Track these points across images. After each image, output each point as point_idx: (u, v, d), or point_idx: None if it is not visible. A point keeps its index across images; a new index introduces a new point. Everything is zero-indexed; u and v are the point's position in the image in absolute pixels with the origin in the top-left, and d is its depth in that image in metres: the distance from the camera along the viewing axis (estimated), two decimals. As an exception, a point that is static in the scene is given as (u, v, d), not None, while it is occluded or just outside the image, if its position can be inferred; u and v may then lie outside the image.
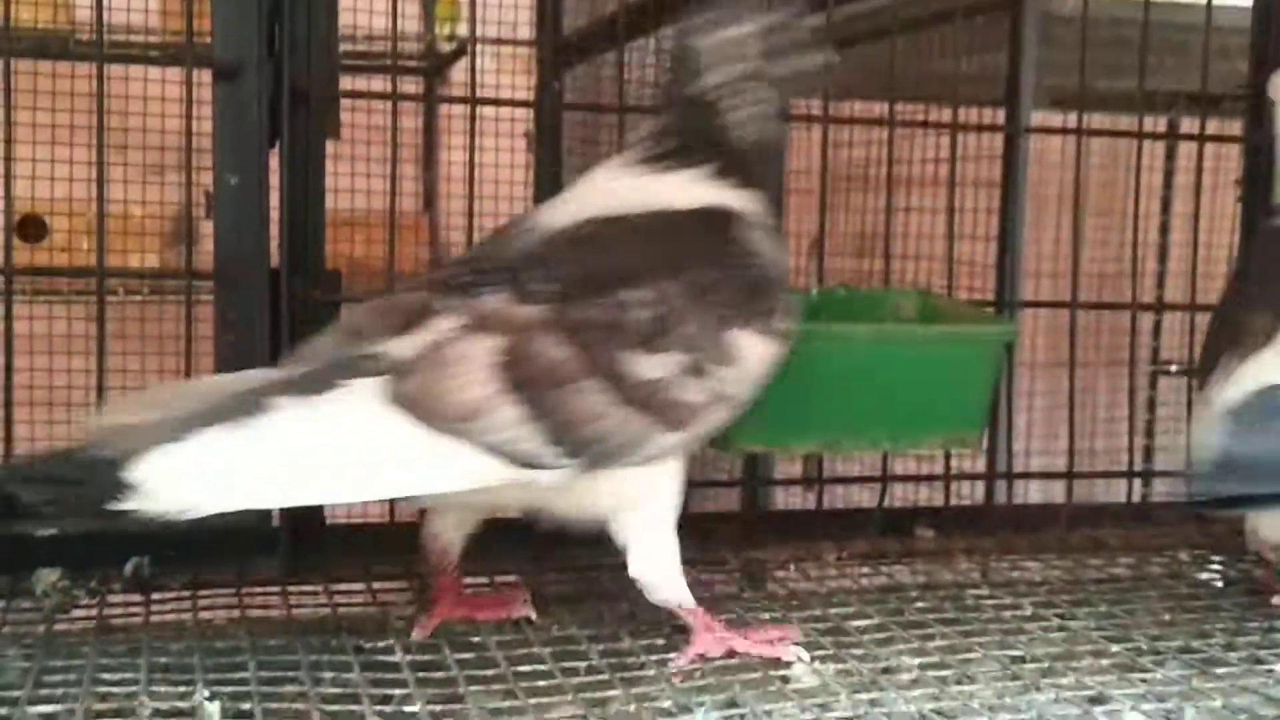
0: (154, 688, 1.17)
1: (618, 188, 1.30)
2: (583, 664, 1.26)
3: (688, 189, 1.28)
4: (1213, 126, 1.99)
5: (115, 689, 1.17)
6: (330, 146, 1.68)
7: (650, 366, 1.15)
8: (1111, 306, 1.99)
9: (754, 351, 1.22)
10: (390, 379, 1.11)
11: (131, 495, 1.01)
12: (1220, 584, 1.63)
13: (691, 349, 1.17)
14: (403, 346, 1.15)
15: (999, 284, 2.10)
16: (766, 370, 1.25)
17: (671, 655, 1.27)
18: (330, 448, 1.09)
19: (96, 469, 1.02)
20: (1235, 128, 2.06)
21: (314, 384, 1.11)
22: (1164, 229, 2.85)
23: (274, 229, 1.58)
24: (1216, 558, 1.73)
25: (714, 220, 1.26)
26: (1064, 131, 1.99)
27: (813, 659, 1.26)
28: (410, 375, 1.11)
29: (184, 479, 1.03)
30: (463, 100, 1.69)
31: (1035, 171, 3.08)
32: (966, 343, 1.47)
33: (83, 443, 1.06)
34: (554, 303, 1.15)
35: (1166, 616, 1.44)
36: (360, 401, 1.10)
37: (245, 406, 1.08)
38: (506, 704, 1.16)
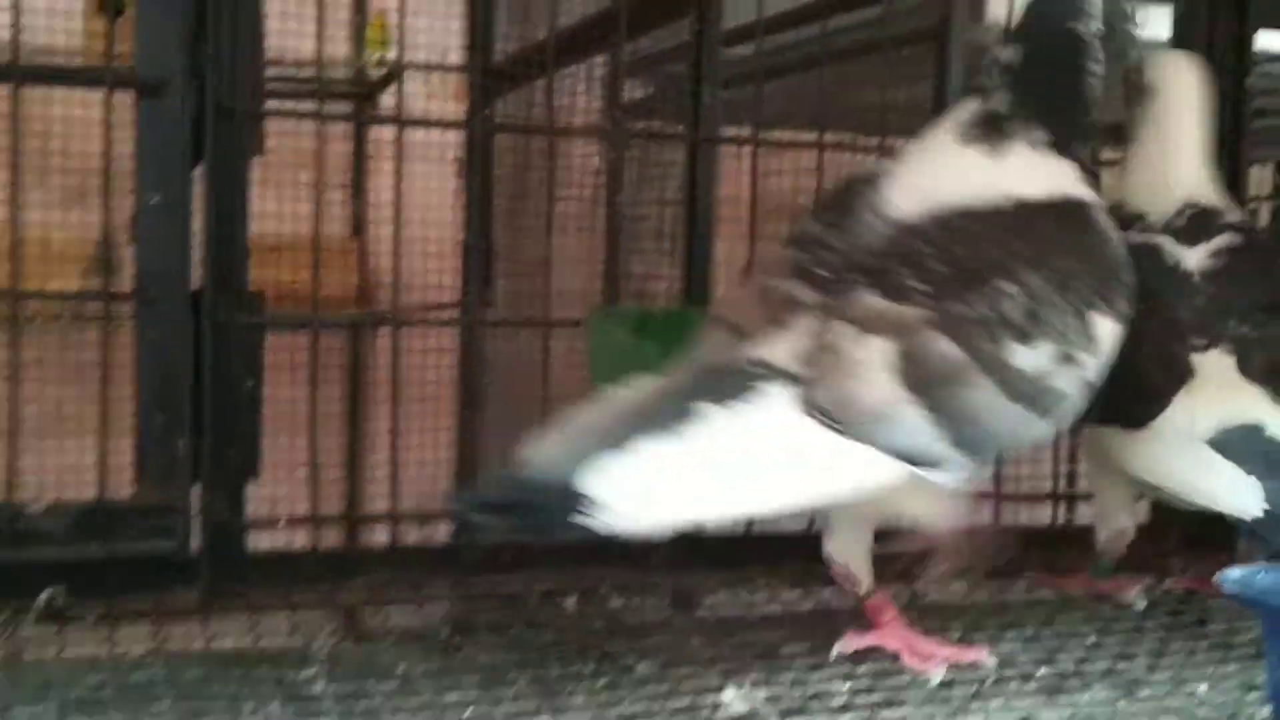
0: (66, 722, 1.14)
1: (957, 170, 1.29)
2: (509, 691, 1.24)
3: (1029, 172, 1.28)
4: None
5: (25, 724, 1.14)
6: (258, 171, 1.66)
7: (1029, 358, 1.18)
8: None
9: (1110, 336, 1.25)
10: (800, 384, 1.12)
11: (591, 511, 1.02)
12: (1143, 605, 1.64)
13: (1061, 338, 1.20)
14: (791, 347, 1.16)
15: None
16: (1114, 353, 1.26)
17: (600, 681, 1.26)
18: (759, 456, 1.10)
19: (553, 489, 1.03)
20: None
21: (730, 389, 1.12)
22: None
23: (197, 250, 1.55)
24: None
25: (1068, 211, 1.27)
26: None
27: (743, 685, 1.25)
28: (818, 381, 1.13)
29: (635, 492, 1.04)
30: (391, 121, 1.67)
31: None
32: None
33: (529, 464, 1.06)
34: (933, 301, 1.16)
35: (1092, 639, 1.45)
36: (777, 407, 1.11)
37: (674, 414, 1.08)
38: (432, 734, 1.14)
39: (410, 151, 1.71)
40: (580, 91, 3.18)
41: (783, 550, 1.75)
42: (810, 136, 1.85)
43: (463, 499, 1.14)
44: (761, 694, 1.24)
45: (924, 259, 1.20)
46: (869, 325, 1.15)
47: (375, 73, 3.73)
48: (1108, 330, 1.24)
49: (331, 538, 1.77)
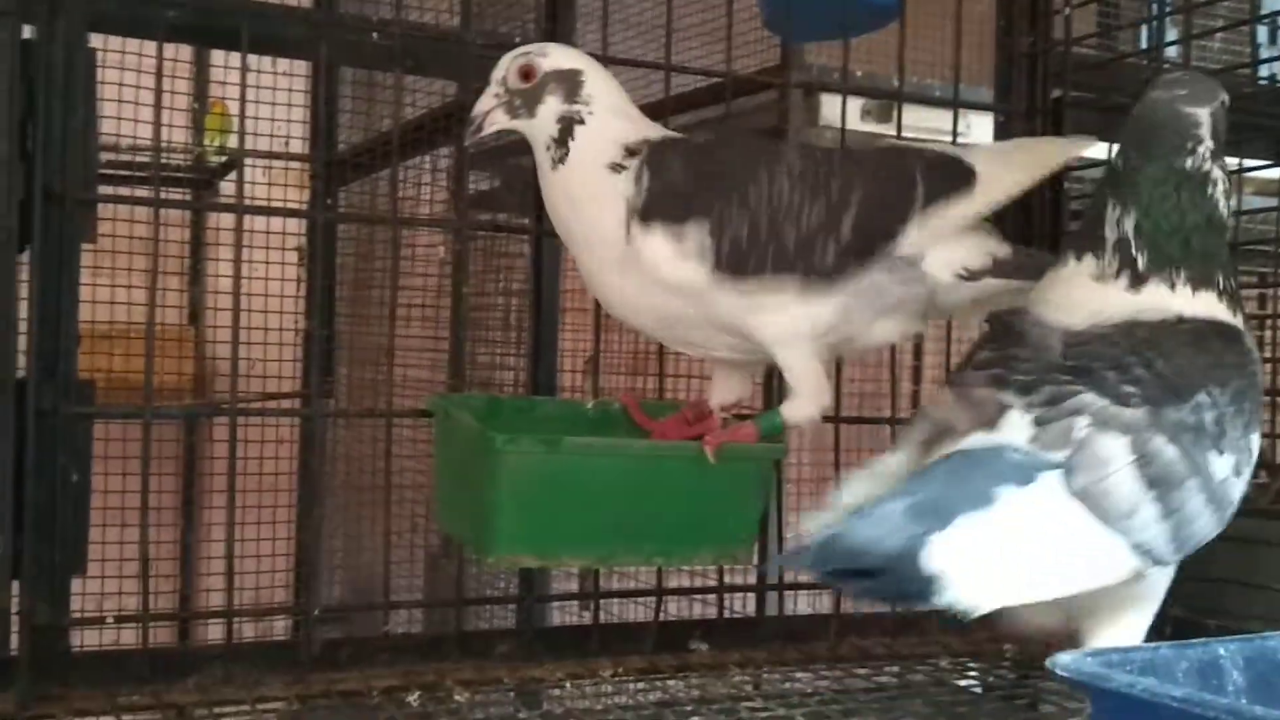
0: None
1: (1111, 295, 1.32)
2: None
3: (1182, 296, 1.31)
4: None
5: None
6: (91, 257, 1.61)
7: (1220, 467, 1.23)
8: (873, 421, 2.07)
9: (1257, 451, 1.29)
10: (1063, 473, 1.15)
11: (937, 588, 1.06)
12: (980, 689, 1.68)
13: (1237, 450, 1.25)
14: (1034, 437, 1.18)
15: (766, 400, 2.15)
16: None
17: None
18: (1058, 540, 1.14)
19: (896, 562, 1.06)
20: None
21: (1015, 474, 1.15)
22: (918, 351, 3.00)
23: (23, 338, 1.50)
24: (975, 665, 1.79)
25: (1228, 332, 1.31)
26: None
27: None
28: (1077, 471, 1.15)
29: (974, 571, 1.07)
30: (230, 208, 1.64)
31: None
32: (738, 458, 1.50)
33: (843, 532, 1.09)
34: (1150, 406, 1.20)
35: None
36: (1059, 494, 1.14)
37: (979, 495, 1.11)
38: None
39: (251, 239, 1.69)
40: (425, 182, 3.19)
41: (628, 641, 1.75)
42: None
43: (811, 561, 1.12)
44: (608, 787, 1.23)
45: (1128, 365, 1.24)
46: (1107, 424, 1.19)
47: (215, 160, 3.67)
48: (1256, 445, 1.31)
49: (163, 635, 1.71)
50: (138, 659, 1.52)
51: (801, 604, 2.14)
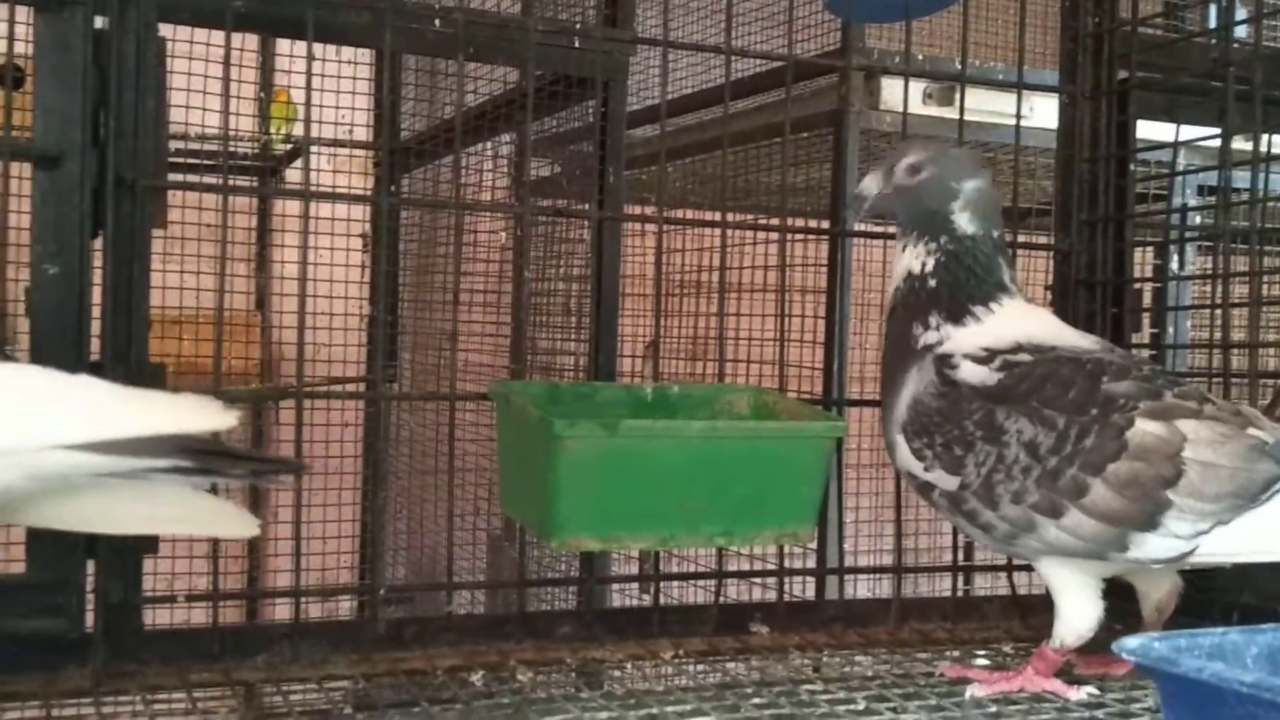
0: (-52, 807, 1.09)
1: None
2: (415, 769, 1.22)
3: None
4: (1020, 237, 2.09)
5: (-96, 809, 1.09)
6: (161, 244, 1.64)
7: None
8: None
9: None
10: None
11: None
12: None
13: None
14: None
15: (826, 384, 2.15)
16: None
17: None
18: None
19: None
20: (1041, 239, 2.17)
21: None
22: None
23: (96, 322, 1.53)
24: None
25: None
26: (885, 236, 2.07)
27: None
28: None
29: None
30: (296, 195, 1.67)
31: (859, 280, 3.21)
32: (798, 438, 1.50)
33: None
34: None
35: (993, 708, 1.47)
36: None
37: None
38: (334, 812, 1.11)
39: (317, 226, 1.71)
40: (487, 169, 3.22)
41: (688, 623, 1.76)
42: (713, 216, 1.88)
43: None
44: (669, 766, 1.24)
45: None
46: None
47: (281, 147, 3.72)
48: None
49: (231, 614, 1.74)
50: (208, 637, 1.55)
51: (861, 589, 2.14)
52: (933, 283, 1.55)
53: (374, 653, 1.58)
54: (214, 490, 1.16)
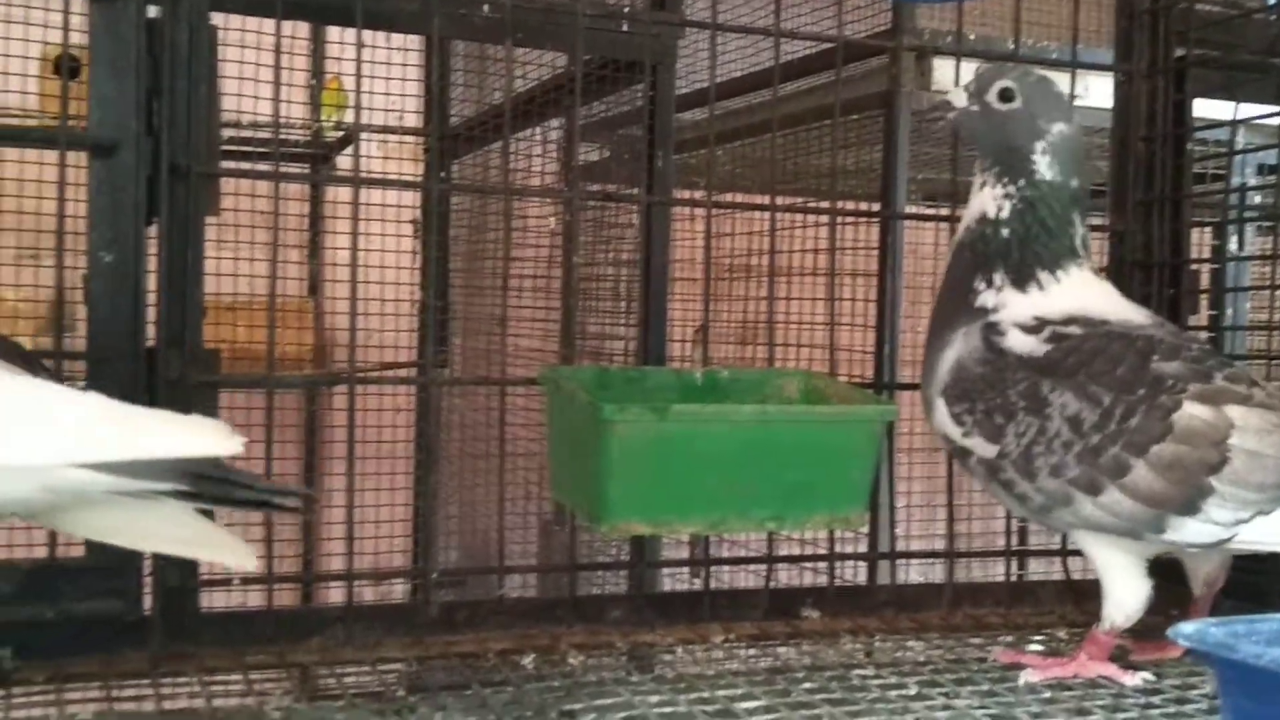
0: (12, 785, 1.12)
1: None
2: (467, 751, 1.23)
3: None
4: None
5: (-30, 787, 1.11)
6: (214, 231, 1.65)
7: None
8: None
9: None
10: None
11: None
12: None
13: None
14: None
15: (877, 368, 2.14)
16: None
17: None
18: None
19: None
20: (1095, 220, 2.13)
21: None
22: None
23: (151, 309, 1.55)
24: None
25: None
26: (936, 219, 2.05)
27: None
28: None
29: None
30: (347, 181, 1.68)
31: (910, 263, 3.18)
32: (849, 422, 1.49)
33: None
34: None
35: (1047, 694, 1.46)
36: None
37: None
38: (387, 793, 1.12)
39: (367, 212, 1.72)
40: (536, 154, 3.22)
41: (739, 607, 1.76)
42: (762, 199, 1.87)
43: None
44: (720, 750, 1.24)
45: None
46: None
47: (332, 135, 3.75)
48: None
49: (286, 597, 1.76)
50: (263, 619, 1.57)
51: (914, 574, 2.12)
52: (1005, 232, 1.52)
53: (426, 636, 1.60)
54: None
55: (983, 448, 1.47)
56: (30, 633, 1.45)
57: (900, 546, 1.89)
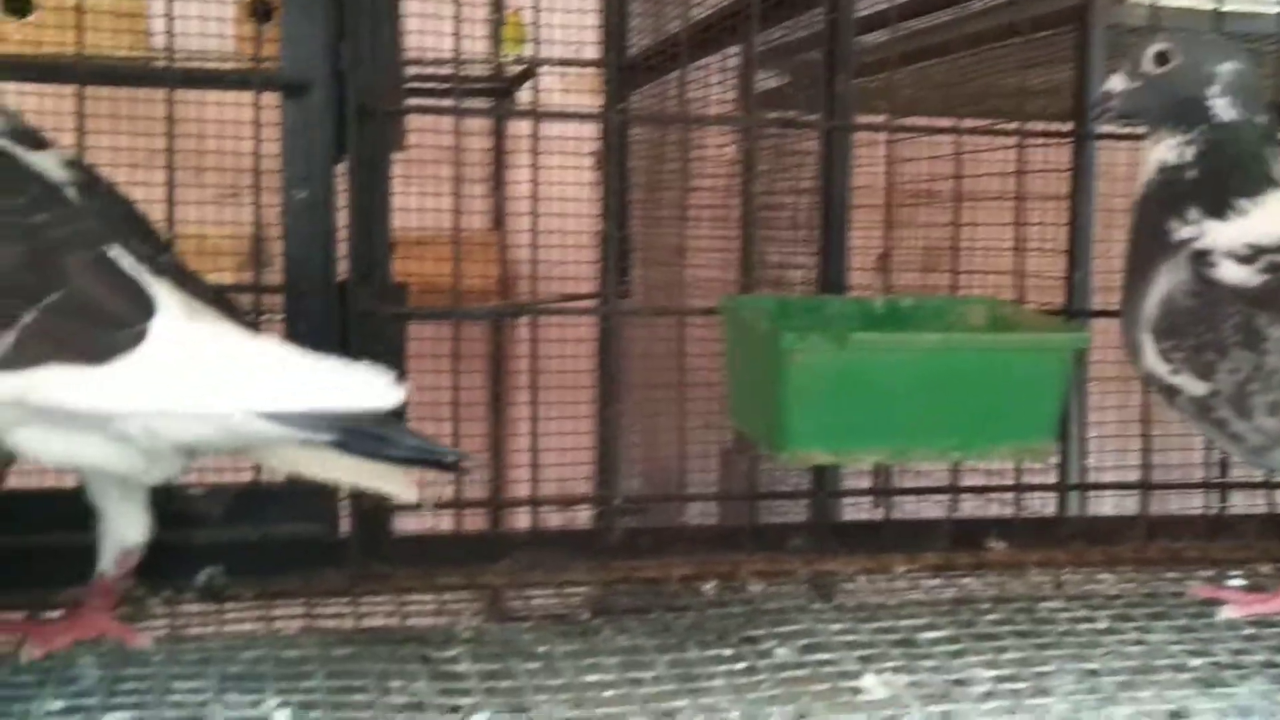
0: (225, 696, 1.18)
1: None
2: (649, 674, 1.25)
3: None
4: None
5: (187, 697, 1.18)
6: (400, 167, 1.69)
7: None
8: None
9: None
10: None
11: None
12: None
13: None
14: None
15: (1068, 294, 2.07)
16: None
17: (739, 665, 1.26)
18: None
19: None
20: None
21: None
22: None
23: (342, 245, 1.60)
24: (1299, 571, 1.69)
25: None
26: (1132, 137, 1.96)
27: (883, 671, 1.25)
28: None
29: None
30: (527, 115, 1.70)
31: (1103, 185, 3.05)
32: (1037, 350, 1.45)
33: None
34: None
35: (1248, 630, 1.40)
36: None
37: None
38: (574, 714, 1.15)
39: (547, 145, 1.73)
40: (714, 83, 3.19)
41: (921, 538, 1.74)
42: (945, 122, 1.82)
43: None
44: (903, 680, 1.24)
45: None
46: None
47: (512, 69, 3.78)
48: None
49: (475, 522, 1.81)
50: (453, 543, 1.62)
51: (1106, 506, 2.06)
52: (1192, 173, 1.44)
53: (610, 561, 1.63)
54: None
55: (1192, 385, 1.40)
56: (238, 553, 1.53)
57: (1091, 478, 1.83)
